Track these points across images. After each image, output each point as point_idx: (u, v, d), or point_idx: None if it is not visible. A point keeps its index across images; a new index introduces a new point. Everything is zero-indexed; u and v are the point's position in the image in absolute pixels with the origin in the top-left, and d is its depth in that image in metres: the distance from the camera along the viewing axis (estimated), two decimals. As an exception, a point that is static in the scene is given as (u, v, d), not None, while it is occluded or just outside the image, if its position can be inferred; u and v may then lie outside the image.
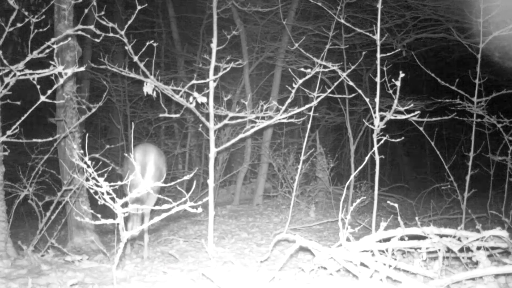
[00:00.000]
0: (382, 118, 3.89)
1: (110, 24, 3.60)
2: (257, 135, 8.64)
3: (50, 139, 4.13)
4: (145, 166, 4.36)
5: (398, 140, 3.98)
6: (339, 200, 3.59)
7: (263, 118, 4.32)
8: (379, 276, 2.91)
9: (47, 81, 3.64)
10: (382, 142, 3.87)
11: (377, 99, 3.89)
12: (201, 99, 4.05)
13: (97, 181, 2.63)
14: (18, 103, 3.66)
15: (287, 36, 7.78)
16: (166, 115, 4.21)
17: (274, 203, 8.11)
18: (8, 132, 3.64)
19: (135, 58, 3.70)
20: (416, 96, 7.75)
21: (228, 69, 4.12)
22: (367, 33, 4.00)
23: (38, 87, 3.50)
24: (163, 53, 10.53)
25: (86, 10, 3.68)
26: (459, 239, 3.11)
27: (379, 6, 3.88)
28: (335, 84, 4.39)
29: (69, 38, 4.13)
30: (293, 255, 3.86)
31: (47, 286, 3.20)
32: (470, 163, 4.66)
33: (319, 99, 4.33)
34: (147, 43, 3.69)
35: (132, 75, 3.93)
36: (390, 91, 3.78)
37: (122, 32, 3.63)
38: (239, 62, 4.27)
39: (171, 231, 6.00)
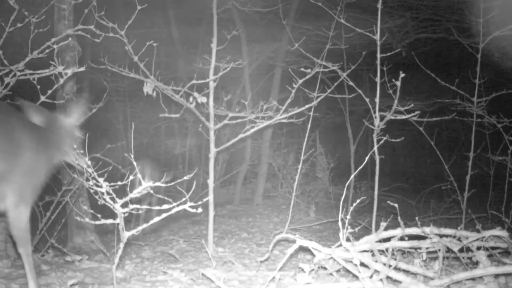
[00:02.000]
0: (382, 118, 3.90)
1: (110, 24, 3.60)
2: (257, 135, 8.63)
3: (50, 139, 4.12)
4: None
5: (398, 140, 3.98)
6: (339, 200, 3.58)
7: (263, 118, 4.32)
8: (379, 276, 2.91)
9: (47, 81, 3.64)
10: (382, 142, 3.87)
11: (377, 99, 3.89)
12: (201, 99, 4.05)
13: (97, 181, 2.63)
14: (18, 103, 3.66)
15: (287, 36, 7.78)
16: (166, 115, 4.21)
17: (274, 203, 8.11)
18: (8, 132, 3.64)
19: (135, 58, 3.70)
20: (416, 96, 7.74)
21: (228, 69, 4.12)
22: (367, 33, 4.00)
23: (38, 87, 3.50)
24: (163, 53, 10.52)
25: (86, 10, 3.68)
26: (459, 239, 3.11)
27: (379, 6, 3.88)
28: (335, 84, 4.39)
29: (69, 38, 4.12)
30: (293, 255, 3.85)
31: (47, 286, 3.20)
32: (470, 163, 4.66)
33: (319, 99, 4.34)
34: (147, 43, 3.69)
35: (132, 75, 3.94)
36: (390, 91, 3.78)
37: (122, 32, 3.63)
38: (239, 62, 4.27)
39: (171, 231, 6.00)
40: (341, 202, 3.04)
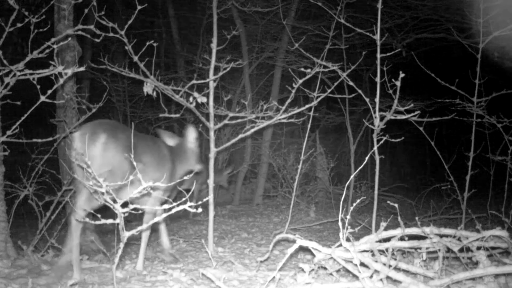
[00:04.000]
0: (382, 118, 3.89)
1: (110, 24, 3.60)
2: (257, 135, 8.63)
3: (50, 139, 4.13)
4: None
5: (398, 140, 3.98)
6: (339, 200, 3.58)
7: (263, 118, 4.32)
8: (379, 276, 2.91)
9: (47, 81, 3.64)
10: (382, 142, 3.87)
11: (377, 99, 3.89)
12: (201, 99, 4.05)
13: (97, 181, 2.63)
14: (18, 103, 3.66)
15: (287, 36, 7.78)
16: (166, 115, 4.21)
17: (274, 203, 8.11)
18: (8, 132, 3.64)
19: (135, 58, 3.70)
20: (416, 96, 7.73)
21: (228, 69, 4.12)
22: (367, 33, 3.99)
23: (38, 87, 3.50)
24: (163, 53, 10.53)
25: (86, 10, 3.67)
26: (459, 239, 3.11)
27: (379, 6, 3.88)
28: (335, 84, 4.39)
29: (69, 38, 4.11)
30: (293, 255, 3.86)
31: (47, 286, 3.20)
32: (470, 163, 4.65)
33: (319, 99, 4.34)
34: (147, 43, 3.69)
35: (132, 75, 3.94)
36: (390, 91, 3.78)
37: (122, 32, 3.63)
38: (239, 62, 4.28)
39: (171, 231, 6.00)
40: (341, 202, 3.03)
